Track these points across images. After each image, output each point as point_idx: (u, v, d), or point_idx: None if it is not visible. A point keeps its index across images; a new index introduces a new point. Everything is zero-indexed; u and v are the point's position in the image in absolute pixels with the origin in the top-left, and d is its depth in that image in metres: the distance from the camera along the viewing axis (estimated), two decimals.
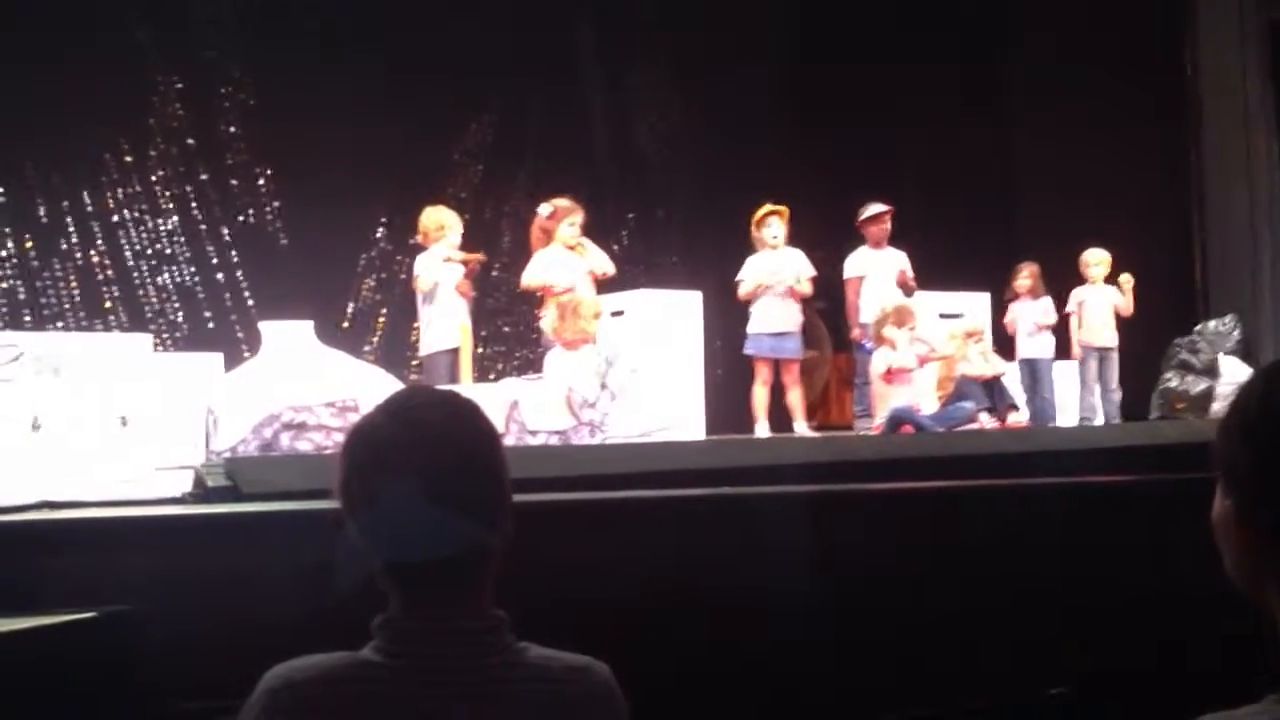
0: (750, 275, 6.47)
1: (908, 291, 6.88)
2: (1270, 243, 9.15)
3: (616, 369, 5.25)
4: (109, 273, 7.34)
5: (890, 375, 6.41)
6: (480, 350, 8.04)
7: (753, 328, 6.47)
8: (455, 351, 5.86)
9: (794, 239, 6.60)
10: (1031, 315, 7.51)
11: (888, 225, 7.01)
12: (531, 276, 6.06)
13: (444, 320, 5.89)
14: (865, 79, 9.32)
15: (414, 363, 7.14)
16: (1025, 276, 7.53)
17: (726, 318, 7.18)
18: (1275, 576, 1.07)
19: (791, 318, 6.47)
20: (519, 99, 8.71)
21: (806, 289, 6.50)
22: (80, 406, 4.33)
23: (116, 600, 2.50)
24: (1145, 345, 8.14)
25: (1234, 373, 8.26)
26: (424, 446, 1.42)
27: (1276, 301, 9.11)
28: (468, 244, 6.15)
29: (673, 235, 9.45)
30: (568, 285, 5.88)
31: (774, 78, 9.51)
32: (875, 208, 7.00)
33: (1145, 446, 6.23)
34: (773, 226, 6.47)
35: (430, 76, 8.02)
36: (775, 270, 6.41)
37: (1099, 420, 7.45)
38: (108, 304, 7.30)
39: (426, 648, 1.39)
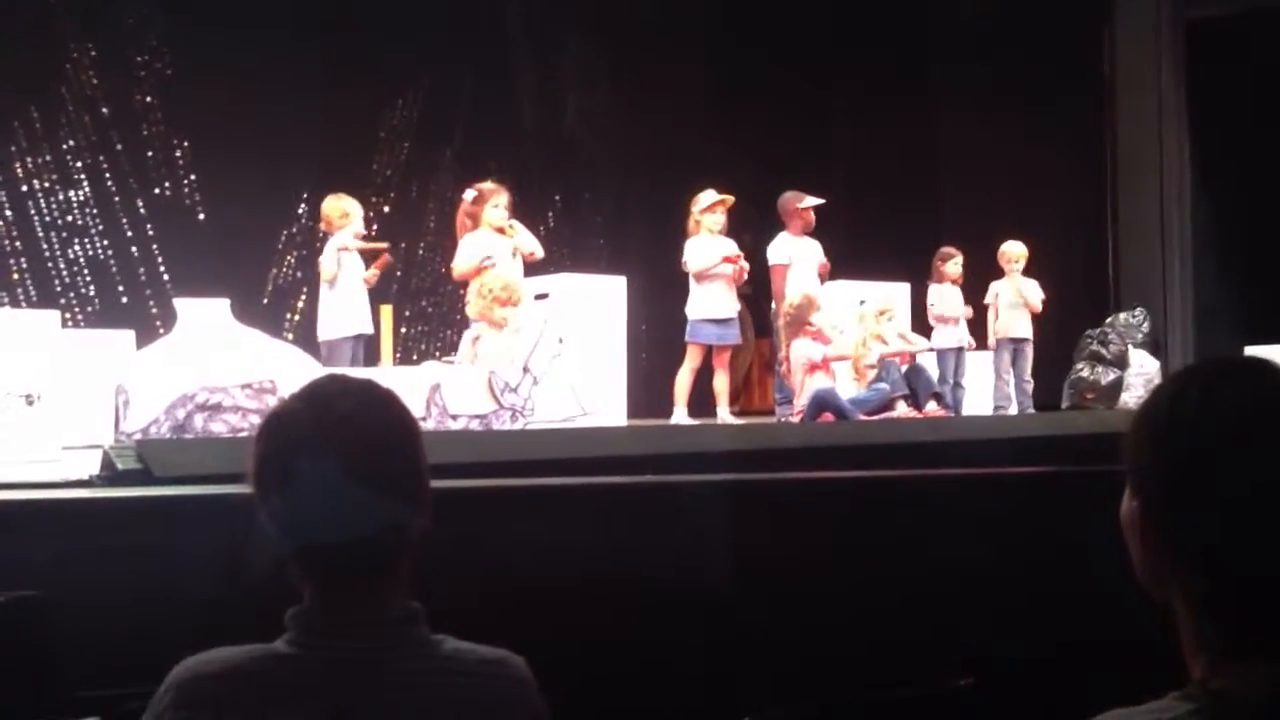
0: (701, 256, 6.41)
1: (824, 281, 6.98)
2: (1179, 238, 9.43)
3: (539, 353, 5.23)
4: (17, 244, 7.11)
5: (789, 371, 6.56)
6: (403, 330, 7.94)
7: (698, 313, 6.44)
8: (359, 338, 5.89)
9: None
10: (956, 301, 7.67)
11: (813, 215, 7.06)
12: (461, 263, 5.99)
13: (348, 307, 5.88)
14: (794, 67, 9.39)
15: None
16: (957, 263, 7.69)
17: (651, 302, 7.18)
18: (1178, 577, 1.10)
19: (733, 304, 6.56)
20: (446, 77, 8.61)
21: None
22: None
23: (20, 586, 2.43)
24: (1057, 336, 8.34)
25: (1142, 364, 8.51)
26: (338, 435, 1.39)
27: (1185, 295, 9.40)
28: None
29: (599, 218, 9.43)
30: (494, 261, 5.87)
31: (703, 62, 9.53)
32: (812, 200, 7.02)
33: (1059, 436, 6.38)
34: (719, 214, 6.51)
35: (356, 51, 7.89)
36: (722, 255, 6.42)
37: (1013, 410, 7.62)
38: (15, 276, 7.08)
39: (339, 640, 1.37)
